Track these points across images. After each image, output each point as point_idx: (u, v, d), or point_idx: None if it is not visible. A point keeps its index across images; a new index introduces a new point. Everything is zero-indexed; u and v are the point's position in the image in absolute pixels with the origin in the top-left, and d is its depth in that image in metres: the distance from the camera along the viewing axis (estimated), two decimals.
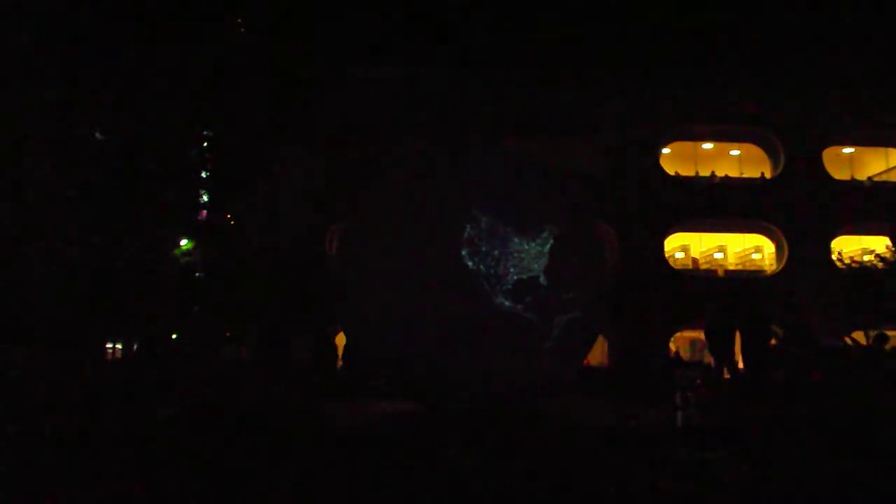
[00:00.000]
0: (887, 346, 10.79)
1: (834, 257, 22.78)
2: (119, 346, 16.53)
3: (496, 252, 9.00)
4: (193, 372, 11.82)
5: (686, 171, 25.45)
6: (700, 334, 23.74)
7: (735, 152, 26.63)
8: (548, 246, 9.20)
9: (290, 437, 8.04)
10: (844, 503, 5.80)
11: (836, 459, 6.61)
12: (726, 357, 11.57)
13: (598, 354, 22.19)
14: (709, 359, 19.03)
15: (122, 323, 13.42)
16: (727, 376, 11.55)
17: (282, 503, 5.79)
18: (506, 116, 23.53)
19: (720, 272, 25.58)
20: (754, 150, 26.00)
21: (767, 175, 25.21)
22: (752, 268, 26.15)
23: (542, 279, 9.09)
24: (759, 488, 6.11)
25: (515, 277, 8.99)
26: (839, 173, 25.45)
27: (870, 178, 25.92)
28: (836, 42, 25.51)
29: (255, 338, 17.29)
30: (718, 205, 24.32)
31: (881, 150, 26.68)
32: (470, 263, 8.92)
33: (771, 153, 25.57)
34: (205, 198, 16.23)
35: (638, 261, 22.43)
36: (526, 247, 9.10)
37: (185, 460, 6.84)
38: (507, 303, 8.93)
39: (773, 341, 11.98)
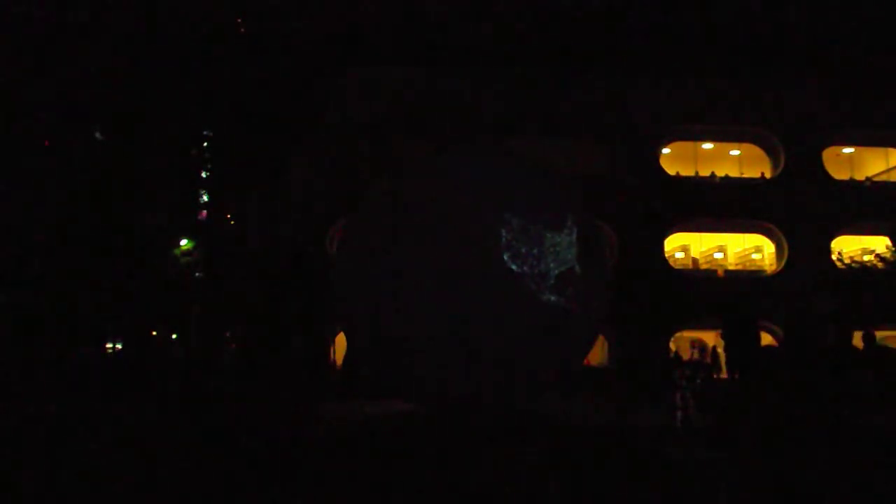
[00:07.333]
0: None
1: (834, 257, 22.77)
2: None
3: (535, 251, 8.99)
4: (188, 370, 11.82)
5: (686, 171, 25.45)
6: (700, 334, 23.90)
7: (735, 152, 26.63)
8: (575, 234, 9.20)
9: (286, 437, 8.04)
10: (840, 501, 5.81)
11: (833, 456, 6.62)
12: (738, 359, 11.47)
13: (598, 354, 22.19)
14: (709, 359, 19.04)
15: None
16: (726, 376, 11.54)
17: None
18: (507, 117, 23.55)
19: (720, 272, 25.57)
20: (754, 150, 26.00)
21: (767, 175, 25.21)
22: (752, 268, 26.14)
23: (577, 269, 9.10)
24: (755, 487, 6.11)
25: (557, 271, 8.97)
26: (839, 173, 25.45)
27: (869, 178, 25.93)
28: (837, 42, 25.47)
29: (255, 338, 17.29)
30: (718, 205, 24.32)
31: (881, 150, 26.68)
32: (514, 267, 8.89)
33: (771, 153, 25.57)
34: (205, 198, 16.27)
35: (637, 261, 22.42)
36: (559, 239, 9.10)
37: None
38: (553, 298, 8.89)
39: (761, 342, 11.94)
